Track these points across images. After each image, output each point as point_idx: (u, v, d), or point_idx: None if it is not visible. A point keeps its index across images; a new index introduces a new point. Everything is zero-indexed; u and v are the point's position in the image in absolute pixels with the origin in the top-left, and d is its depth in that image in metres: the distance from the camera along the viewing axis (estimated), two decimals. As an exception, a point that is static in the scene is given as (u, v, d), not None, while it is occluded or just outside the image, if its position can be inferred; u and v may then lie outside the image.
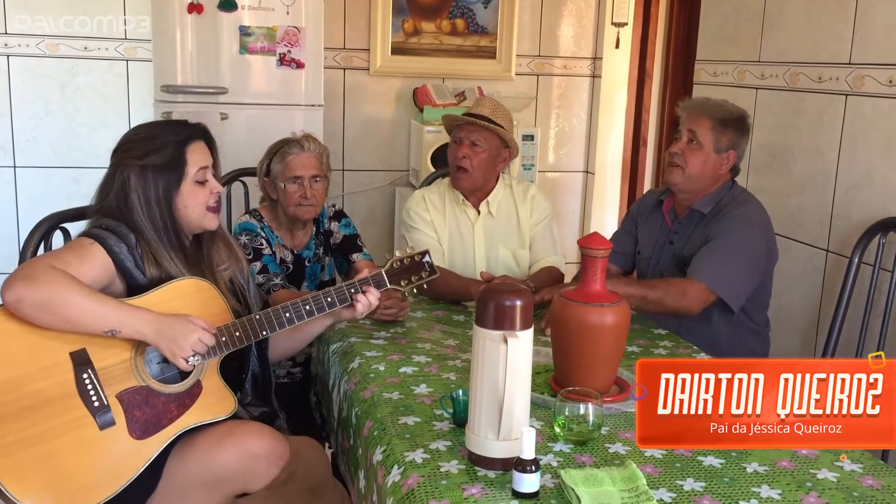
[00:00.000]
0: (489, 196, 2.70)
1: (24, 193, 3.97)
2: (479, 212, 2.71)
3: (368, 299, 2.01)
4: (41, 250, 2.25)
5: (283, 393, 2.30)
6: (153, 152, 1.90)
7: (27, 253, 2.22)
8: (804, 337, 2.93)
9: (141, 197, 1.89)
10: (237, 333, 1.89)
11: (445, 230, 2.70)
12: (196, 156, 1.94)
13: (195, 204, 1.94)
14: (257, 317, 1.92)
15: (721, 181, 2.50)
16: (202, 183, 1.94)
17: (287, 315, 1.93)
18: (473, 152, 2.62)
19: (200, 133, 1.98)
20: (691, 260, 2.41)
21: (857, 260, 2.51)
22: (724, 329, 2.42)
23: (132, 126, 2.04)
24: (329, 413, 2.19)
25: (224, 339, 1.87)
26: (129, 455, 1.76)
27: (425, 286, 2.09)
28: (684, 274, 2.38)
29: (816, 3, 2.89)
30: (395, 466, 1.54)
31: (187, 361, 1.79)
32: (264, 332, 1.92)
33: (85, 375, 1.75)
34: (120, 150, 1.95)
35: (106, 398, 1.76)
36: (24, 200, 3.96)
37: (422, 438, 1.63)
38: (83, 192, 3.92)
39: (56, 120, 3.95)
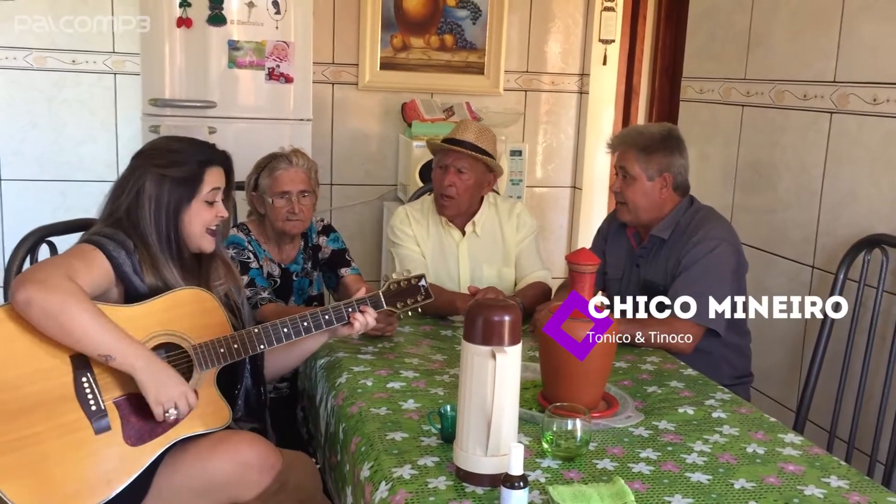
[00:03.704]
0: (474, 217, 2.71)
1: (10, 207, 3.94)
2: (463, 232, 2.71)
3: (366, 318, 2.04)
4: (27, 264, 2.24)
5: (271, 408, 2.29)
6: (175, 165, 1.95)
7: (13, 267, 2.20)
8: (790, 353, 2.94)
9: (153, 202, 1.92)
10: (235, 346, 1.90)
11: (428, 244, 2.71)
12: (212, 177, 1.98)
13: (199, 222, 1.97)
14: (256, 330, 1.94)
15: (670, 204, 2.50)
16: (211, 204, 1.98)
17: (285, 330, 1.96)
18: (460, 179, 2.63)
19: (222, 159, 2.04)
20: (658, 286, 2.42)
21: (842, 276, 2.52)
22: (706, 347, 2.42)
23: (157, 138, 2.12)
24: (316, 428, 2.18)
25: (222, 350, 1.89)
26: (123, 461, 1.76)
27: (419, 309, 2.11)
28: (650, 298, 2.39)
29: (801, 22, 2.92)
30: (383, 482, 1.54)
31: (165, 411, 1.77)
32: (262, 346, 1.94)
33: (84, 379, 1.75)
34: (144, 154, 1.99)
35: (103, 403, 1.76)
36: (10, 214, 3.93)
37: (409, 454, 1.62)
38: (69, 205, 3.92)
39: (43, 133, 3.93)
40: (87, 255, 1.83)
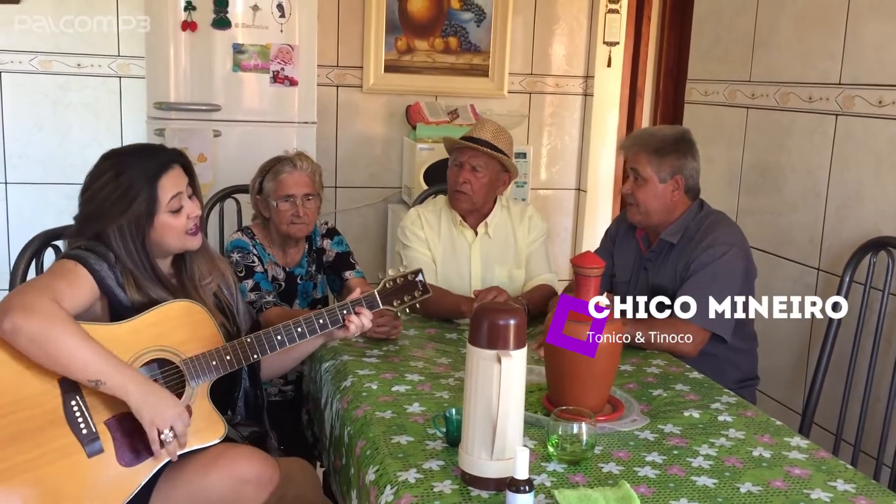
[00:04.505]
0: (487, 218, 2.71)
1: (15, 210, 3.95)
2: (476, 233, 2.71)
3: (361, 321, 2.02)
4: (32, 268, 2.24)
5: (275, 411, 2.29)
6: (125, 197, 1.87)
7: (18, 271, 2.21)
8: (796, 355, 2.93)
9: (116, 234, 1.88)
10: (227, 357, 1.88)
11: (440, 248, 2.70)
12: (168, 184, 1.91)
13: (173, 234, 1.92)
14: (248, 340, 1.91)
15: (681, 207, 2.50)
16: (177, 211, 1.92)
17: (279, 337, 1.93)
18: (474, 177, 2.63)
19: (173, 158, 1.95)
20: (666, 290, 2.41)
21: (847, 279, 2.52)
22: (712, 350, 2.41)
23: (100, 159, 1.97)
24: (321, 432, 2.17)
25: (214, 363, 1.86)
26: (118, 483, 1.74)
27: (418, 305, 2.09)
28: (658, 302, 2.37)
29: (806, 24, 2.91)
30: (388, 486, 1.54)
31: (161, 434, 1.74)
32: (255, 356, 1.91)
33: (73, 402, 1.73)
34: (91, 203, 1.91)
35: (94, 425, 1.74)
36: (15, 217, 3.94)
37: (415, 458, 1.62)
38: (74, 209, 3.90)
39: (48, 136, 3.94)
40: (71, 273, 1.80)
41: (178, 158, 1.96)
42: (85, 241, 1.88)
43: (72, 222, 2.25)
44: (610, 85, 4.47)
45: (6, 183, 3.94)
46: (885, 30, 2.59)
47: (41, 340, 1.67)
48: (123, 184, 1.88)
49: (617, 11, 4.38)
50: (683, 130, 2.55)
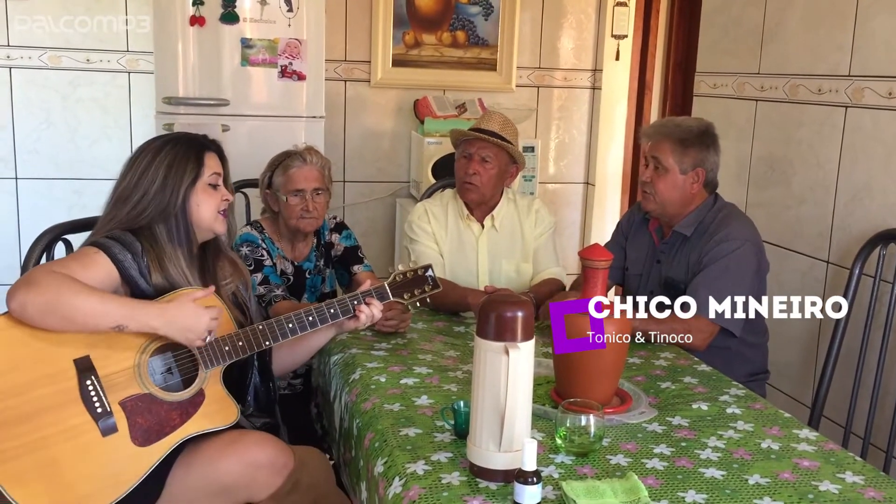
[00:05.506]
0: (494, 210, 2.71)
1: (26, 205, 3.97)
2: (483, 226, 2.71)
3: (371, 311, 2.03)
4: (42, 262, 2.26)
5: (284, 404, 2.30)
6: (174, 154, 1.95)
7: (29, 265, 2.22)
8: (805, 349, 2.93)
9: (159, 192, 1.93)
10: (240, 343, 1.90)
11: (447, 242, 2.71)
12: (211, 161, 2.00)
13: (208, 206, 1.98)
14: (260, 326, 1.93)
15: (697, 200, 2.50)
16: (214, 187, 1.99)
17: (290, 325, 1.95)
18: (483, 168, 2.63)
19: (214, 147, 2.05)
20: (679, 283, 2.41)
21: (857, 271, 2.51)
22: (722, 344, 2.41)
23: (151, 137, 2.07)
24: (330, 424, 2.18)
25: (227, 348, 1.88)
26: (132, 462, 1.77)
27: (428, 300, 2.11)
28: (671, 294, 2.37)
29: (815, 16, 2.90)
30: (397, 478, 1.54)
31: (204, 341, 1.83)
32: (267, 343, 1.93)
33: (88, 382, 1.75)
34: (143, 153, 1.98)
35: (109, 405, 1.76)
36: (26, 212, 3.97)
37: (423, 450, 1.63)
38: (84, 203, 3.95)
39: (58, 132, 3.96)
40: (88, 258, 1.83)
41: (218, 149, 2.06)
42: (112, 231, 1.90)
43: (78, 217, 2.27)
44: (618, 78, 4.46)
45: (16, 178, 3.96)
46: (895, 21, 2.57)
47: (51, 306, 1.70)
48: (175, 148, 1.97)
49: (625, 4, 4.37)
50: (708, 124, 2.54)
